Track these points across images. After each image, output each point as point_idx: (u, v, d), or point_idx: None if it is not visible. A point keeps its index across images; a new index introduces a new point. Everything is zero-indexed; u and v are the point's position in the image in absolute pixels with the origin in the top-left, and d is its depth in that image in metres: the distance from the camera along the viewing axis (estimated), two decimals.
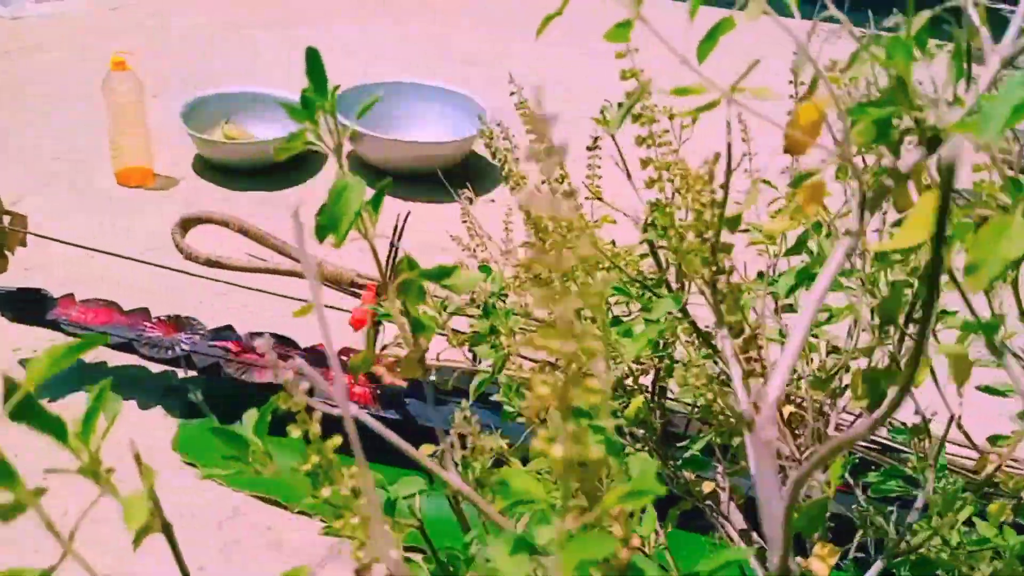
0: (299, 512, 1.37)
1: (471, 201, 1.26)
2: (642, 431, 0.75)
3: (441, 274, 0.48)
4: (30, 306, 1.53)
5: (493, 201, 2.41)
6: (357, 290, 1.40)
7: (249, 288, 1.61)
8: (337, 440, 0.40)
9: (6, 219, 1.46)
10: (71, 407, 1.49)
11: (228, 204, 2.19)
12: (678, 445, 0.84)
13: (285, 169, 2.38)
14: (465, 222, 1.19)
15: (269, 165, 2.33)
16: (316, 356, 1.54)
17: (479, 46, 3.54)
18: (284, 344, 1.55)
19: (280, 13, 3.64)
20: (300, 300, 1.58)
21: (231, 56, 3.15)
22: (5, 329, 1.66)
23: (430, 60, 3.36)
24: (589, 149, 0.83)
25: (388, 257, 1.37)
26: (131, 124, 2.13)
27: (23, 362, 1.61)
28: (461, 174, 2.48)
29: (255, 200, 2.24)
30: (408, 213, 1.41)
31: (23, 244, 1.52)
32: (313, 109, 0.47)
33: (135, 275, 1.85)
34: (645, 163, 0.70)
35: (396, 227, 1.33)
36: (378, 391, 1.46)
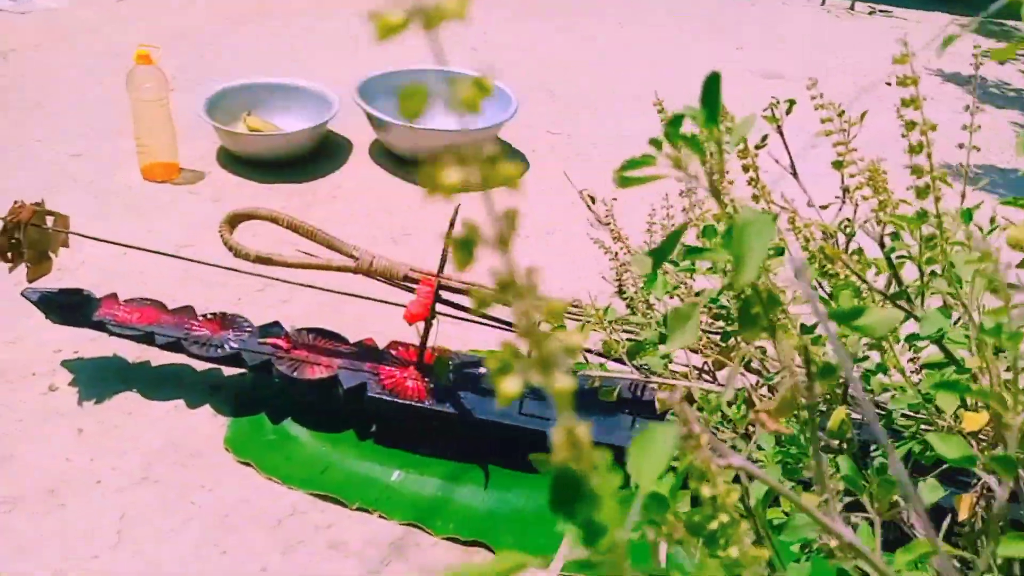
0: (358, 509, 1.36)
1: (593, 201, 1.23)
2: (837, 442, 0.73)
3: (853, 315, 0.43)
4: (74, 307, 1.50)
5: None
6: (411, 284, 1.39)
7: (289, 282, 1.59)
8: (734, 496, 0.36)
9: (49, 220, 1.43)
10: (117, 406, 1.48)
11: (256, 197, 2.17)
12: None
13: (311, 160, 2.36)
14: (608, 224, 1.13)
15: (295, 157, 2.31)
16: (365, 350, 1.52)
17: (484, 33, 3.51)
18: (333, 339, 1.53)
19: (284, 2, 3.60)
20: (343, 294, 1.56)
21: (243, 46, 3.12)
22: (47, 331, 1.63)
23: (446, 48, 3.32)
24: (757, 148, 0.81)
25: (444, 250, 1.35)
26: (157, 119, 2.10)
27: (66, 363, 1.59)
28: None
29: (284, 192, 2.21)
30: (459, 206, 1.39)
31: (66, 245, 1.49)
32: (697, 143, 0.42)
33: (170, 272, 1.83)
34: (839, 164, 0.68)
35: (452, 223, 1.31)
36: (431, 385, 1.45)
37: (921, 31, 4.20)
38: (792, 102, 0.84)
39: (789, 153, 0.97)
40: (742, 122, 0.48)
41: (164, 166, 2.18)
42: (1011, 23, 4.53)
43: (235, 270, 1.76)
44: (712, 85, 0.41)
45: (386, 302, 1.48)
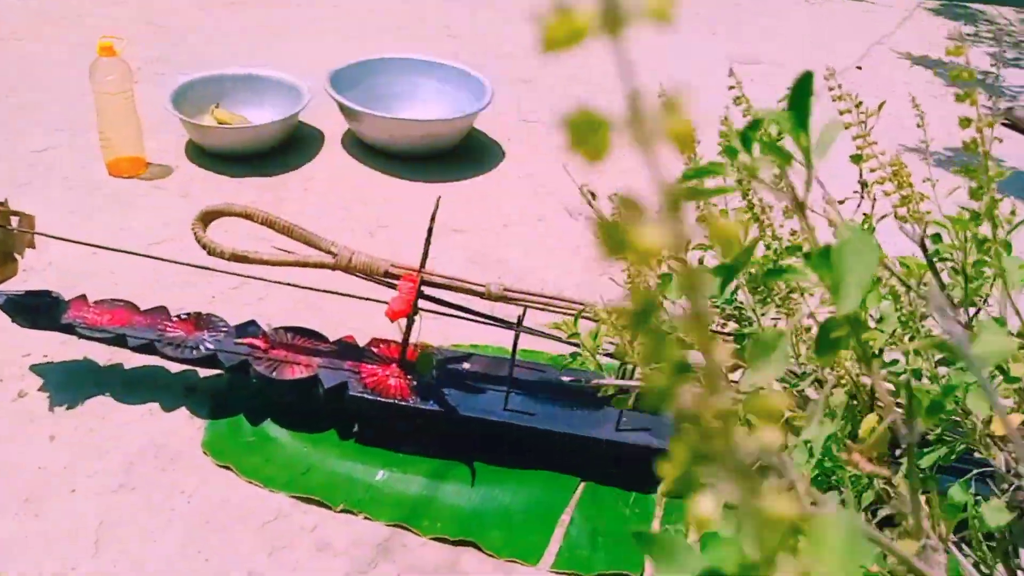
0: (343, 510, 1.34)
1: (595, 197, 1.19)
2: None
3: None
4: (41, 310, 1.45)
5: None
6: (392, 280, 1.36)
7: (265, 280, 1.55)
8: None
9: (13, 220, 1.38)
10: (90, 410, 1.43)
11: (226, 191, 2.12)
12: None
13: (282, 153, 2.31)
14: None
15: (265, 150, 2.26)
16: (345, 348, 1.49)
17: (453, 19, 3.46)
18: (312, 338, 1.50)
19: None
20: (319, 291, 1.53)
21: (207, 37, 3.04)
22: (13, 334, 1.58)
23: (411, 33, 3.28)
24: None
25: (426, 244, 1.33)
26: (120, 113, 2.04)
27: (35, 368, 1.54)
28: (462, 152, 2.43)
29: (254, 186, 2.16)
30: (439, 198, 1.37)
31: (31, 246, 1.44)
32: (786, 155, 0.39)
33: (142, 271, 1.78)
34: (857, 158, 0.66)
35: (433, 216, 1.28)
36: (414, 383, 1.42)
37: (891, 16, 4.23)
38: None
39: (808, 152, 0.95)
40: (828, 128, 0.45)
41: (130, 161, 2.12)
42: (976, 5, 4.58)
43: (209, 268, 1.72)
44: (803, 86, 0.38)
45: (365, 298, 1.45)
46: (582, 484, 1.43)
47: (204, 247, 1.36)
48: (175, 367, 1.56)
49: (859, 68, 3.50)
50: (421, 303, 1.36)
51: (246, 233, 1.70)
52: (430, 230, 1.29)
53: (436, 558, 1.29)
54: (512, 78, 2.93)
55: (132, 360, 1.57)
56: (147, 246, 1.90)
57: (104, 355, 1.58)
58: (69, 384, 1.52)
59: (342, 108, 2.28)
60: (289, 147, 2.34)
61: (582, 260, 2.04)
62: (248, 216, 1.36)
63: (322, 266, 1.35)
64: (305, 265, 1.35)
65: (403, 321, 1.39)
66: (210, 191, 2.11)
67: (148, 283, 1.77)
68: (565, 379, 1.44)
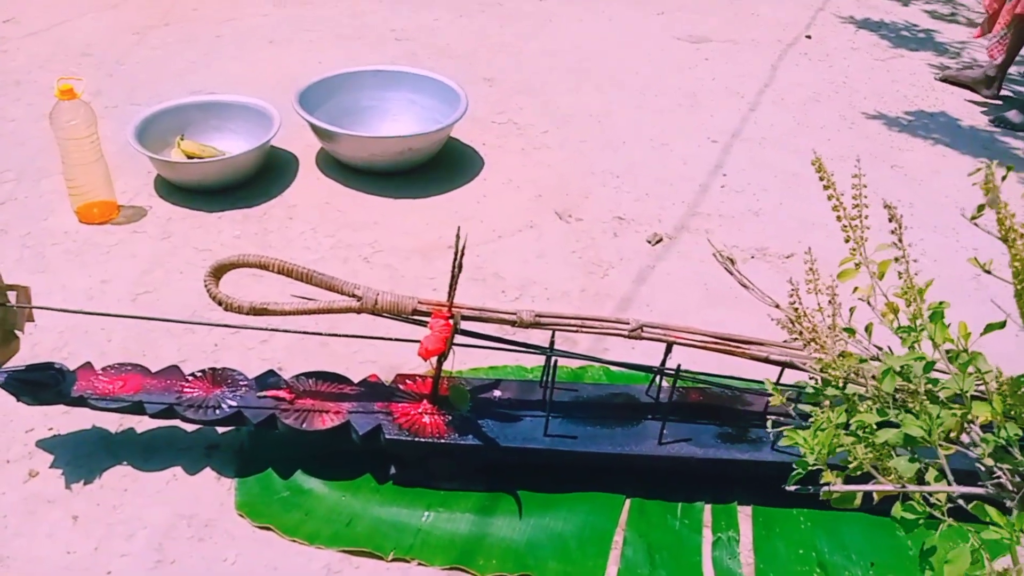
0: (394, 559, 1.30)
1: (733, 262, 1.14)
2: None
3: None
4: (47, 385, 1.37)
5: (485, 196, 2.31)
6: (421, 318, 1.32)
7: (261, 330, 1.49)
8: None
9: (11, 295, 1.30)
10: (109, 484, 1.36)
11: (209, 229, 2.04)
12: None
13: (257, 181, 2.23)
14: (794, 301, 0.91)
15: (241, 180, 2.18)
16: (372, 389, 1.45)
17: (397, 22, 3.38)
18: (336, 382, 1.45)
19: (184, 11, 3.38)
20: (315, 334, 1.48)
21: (154, 61, 2.92)
22: (13, 411, 1.50)
23: (357, 41, 3.19)
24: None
25: (452, 279, 1.29)
26: (88, 156, 1.94)
27: (42, 444, 1.46)
28: (441, 162, 2.38)
29: (235, 219, 2.08)
30: (466, 236, 1.32)
31: (31, 319, 1.36)
32: None
33: (135, 324, 1.70)
34: None
35: (459, 250, 1.24)
36: (449, 418, 1.39)
37: None
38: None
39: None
40: None
41: (101, 206, 2.02)
42: None
43: (205, 324, 1.66)
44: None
45: (381, 338, 1.40)
46: (628, 501, 1.42)
47: (220, 303, 1.30)
48: (190, 426, 1.50)
49: (808, 37, 3.55)
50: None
51: (237, 276, 1.65)
52: (459, 265, 1.25)
53: None
54: (472, 79, 2.88)
55: (144, 423, 1.50)
56: (134, 296, 1.82)
57: (114, 421, 1.50)
58: (82, 457, 1.44)
59: (316, 129, 2.21)
60: (263, 174, 2.26)
61: (582, 264, 2.02)
62: (264, 266, 1.30)
63: (347, 311, 1.31)
64: (330, 312, 1.30)
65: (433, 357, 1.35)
66: (192, 230, 2.03)
67: (144, 336, 1.70)
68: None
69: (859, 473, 0.77)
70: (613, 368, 1.67)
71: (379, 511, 1.37)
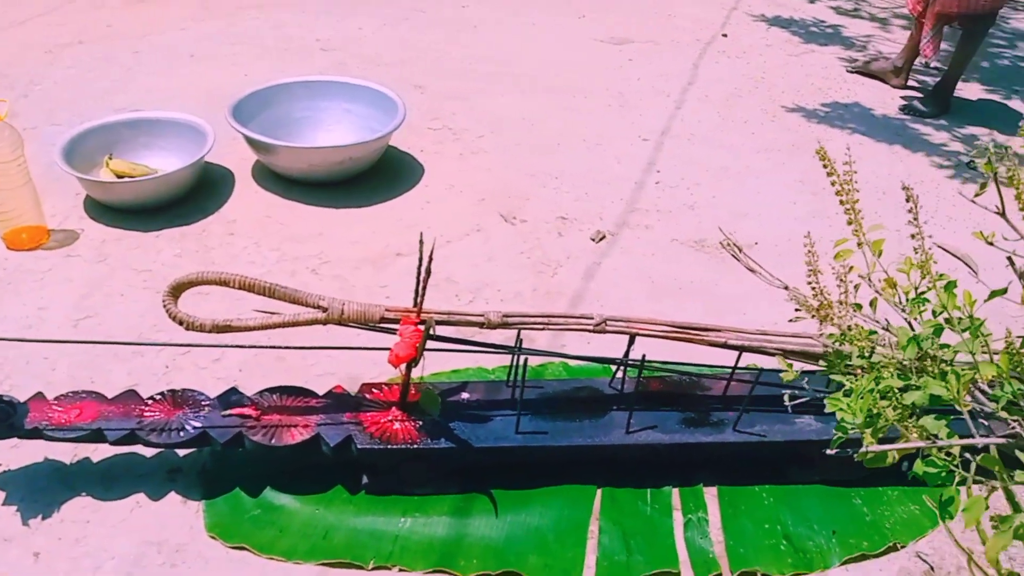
0: (375, 568, 1.30)
1: (740, 250, 1.16)
2: None
3: None
4: None
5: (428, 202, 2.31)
6: (389, 326, 1.32)
7: (214, 347, 1.47)
8: None
9: None
10: (70, 517, 1.31)
11: (148, 249, 1.98)
12: None
13: (192, 198, 2.18)
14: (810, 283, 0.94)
15: (176, 198, 2.12)
16: (339, 400, 1.44)
17: (320, 32, 3.36)
18: (301, 395, 1.43)
19: (97, 28, 3.28)
20: (272, 348, 1.46)
21: (71, 79, 2.81)
22: None
23: (281, 53, 3.15)
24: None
25: (417, 285, 1.30)
26: (15, 180, 1.86)
27: None
28: (381, 171, 2.37)
29: (174, 238, 2.03)
30: (434, 240, 1.33)
31: None
32: None
33: (79, 351, 1.65)
34: None
35: (424, 256, 1.25)
36: (419, 423, 1.39)
37: None
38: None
39: None
40: None
41: (30, 231, 1.95)
42: None
43: (158, 344, 1.62)
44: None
45: (344, 348, 1.40)
46: (599, 491, 1.45)
47: (181, 323, 1.27)
48: (149, 451, 1.45)
49: (725, 35, 3.67)
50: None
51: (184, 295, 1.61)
52: (428, 271, 1.26)
53: None
54: (403, 86, 2.87)
55: (100, 452, 1.45)
56: (75, 322, 1.76)
57: (67, 452, 1.45)
58: (37, 492, 1.39)
59: (252, 142, 2.17)
60: (199, 190, 2.21)
61: (531, 264, 2.04)
62: (224, 283, 1.28)
63: (314, 323, 1.30)
64: (296, 324, 1.29)
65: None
66: (128, 251, 1.97)
67: (90, 363, 1.64)
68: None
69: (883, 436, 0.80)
70: (572, 363, 1.69)
71: (355, 521, 1.36)
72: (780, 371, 1.47)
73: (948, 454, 0.69)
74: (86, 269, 1.91)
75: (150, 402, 1.39)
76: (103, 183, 2.03)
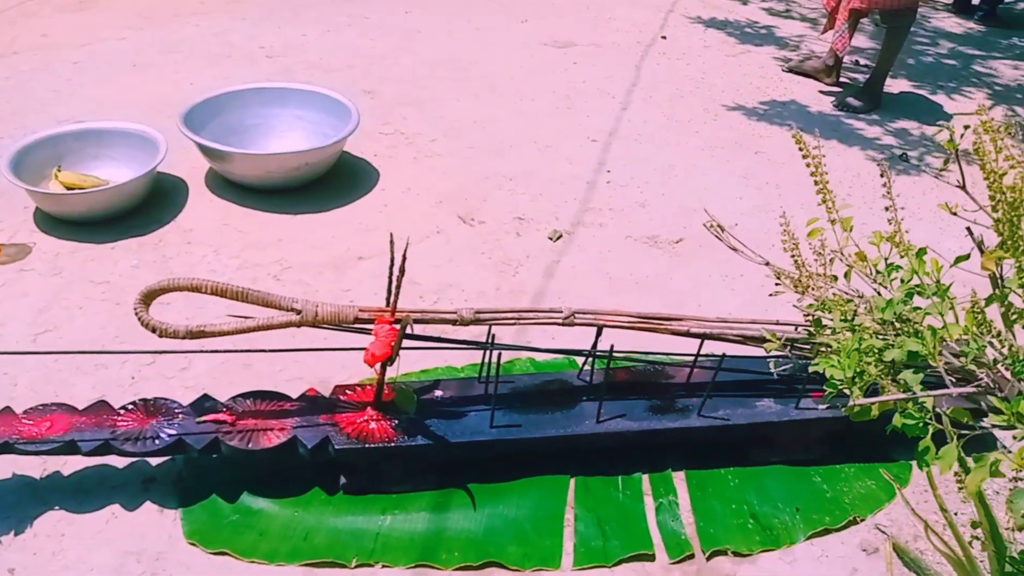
0: (358, 566, 1.31)
1: (723, 229, 1.20)
2: None
3: None
4: None
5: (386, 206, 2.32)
6: (363, 326, 1.34)
7: (184, 352, 1.47)
8: None
9: None
10: (44, 531, 1.30)
11: (104, 261, 1.96)
12: None
13: (145, 208, 2.15)
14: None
15: (128, 209, 2.09)
16: (313, 403, 1.45)
17: (263, 39, 3.34)
18: (275, 399, 1.44)
19: (31, 38, 3.20)
20: (241, 352, 1.47)
21: (5, 95, 2.74)
22: None
23: (225, 61, 3.12)
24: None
25: (390, 285, 1.32)
26: None
27: None
28: (336, 176, 2.38)
29: (132, 248, 2.01)
30: (407, 240, 1.35)
31: None
32: None
33: (39, 366, 1.62)
34: None
35: (398, 254, 1.27)
36: (395, 422, 1.41)
37: None
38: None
39: None
40: None
41: None
42: None
43: (127, 352, 1.61)
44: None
45: (316, 349, 1.41)
46: (573, 480, 1.49)
47: (153, 330, 1.27)
48: (122, 462, 1.44)
49: (664, 38, 3.76)
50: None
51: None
52: (402, 270, 1.28)
53: None
54: (352, 92, 2.88)
55: (71, 465, 1.44)
56: (34, 337, 1.73)
57: (36, 467, 1.43)
58: (7, 508, 1.37)
59: (205, 150, 2.16)
60: (152, 200, 2.18)
61: (492, 264, 2.08)
62: (196, 289, 1.28)
63: (288, 325, 1.31)
64: (270, 328, 1.30)
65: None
66: (84, 263, 1.94)
67: (53, 376, 1.61)
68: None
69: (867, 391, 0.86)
70: (539, 358, 1.73)
71: (335, 521, 1.38)
72: (742, 356, 1.54)
73: (923, 409, 0.75)
74: (41, 283, 1.88)
75: (122, 412, 1.38)
76: (55, 195, 2.00)
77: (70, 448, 1.31)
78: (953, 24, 4.38)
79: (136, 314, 1.27)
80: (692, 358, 1.52)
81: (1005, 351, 0.79)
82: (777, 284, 1.01)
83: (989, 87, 3.53)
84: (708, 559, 1.38)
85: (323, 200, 2.27)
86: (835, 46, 3.06)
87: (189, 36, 3.31)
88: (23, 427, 1.32)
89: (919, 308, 0.84)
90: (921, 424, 0.73)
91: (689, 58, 3.55)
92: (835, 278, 0.94)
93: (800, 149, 1.01)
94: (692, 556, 1.38)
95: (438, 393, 1.51)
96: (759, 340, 1.48)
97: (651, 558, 1.37)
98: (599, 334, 1.46)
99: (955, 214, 0.83)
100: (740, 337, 1.47)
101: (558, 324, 1.41)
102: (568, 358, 1.71)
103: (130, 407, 1.39)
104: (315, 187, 2.31)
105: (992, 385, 0.76)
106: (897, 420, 0.75)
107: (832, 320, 0.86)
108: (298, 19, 3.58)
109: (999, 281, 0.82)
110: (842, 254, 0.90)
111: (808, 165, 0.99)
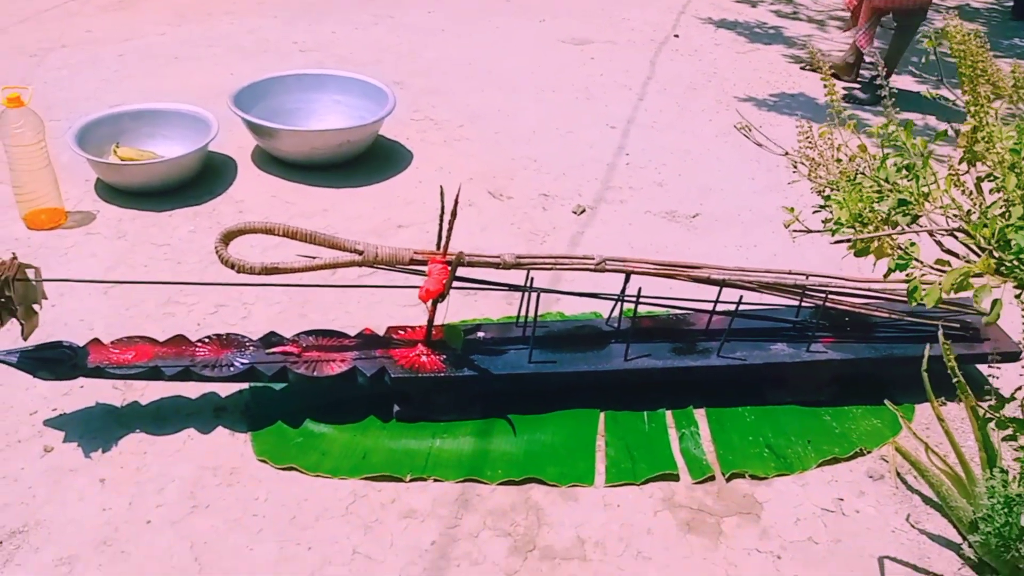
0: (412, 479, 1.45)
1: (750, 130, 1.35)
2: None
3: None
4: (61, 361, 1.44)
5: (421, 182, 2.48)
6: (418, 267, 1.48)
7: (244, 285, 1.61)
8: None
9: (30, 272, 1.37)
10: (128, 450, 1.45)
11: (164, 227, 2.11)
12: None
13: (197, 183, 2.31)
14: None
15: (181, 183, 2.25)
16: (369, 340, 1.60)
17: (297, 34, 3.51)
18: (335, 336, 1.59)
19: (78, 34, 3.38)
20: (318, 286, 1.62)
21: (62, 80, 2.92)
22: (12, 395, 1.55)
23: (261, 55, 3.30)
24: None
25: (441, 231, 1.47)
26: (36, 163, 1.98)
27: (50, 423, 1.52)
28: (372, 156, 2.53)
29: (188, 216, 2.16)
30: (459, 187, 1.50)
31: (45, 296, 1.43)
32: None
33: (112, 314, 1.78)
34: None
35: (449, 201, 1.42)
36: (444, 357, 1.56)
37: None
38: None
39: None
40: None
41: (49, 212, 2.06)
42: None
43: (222, 284, 1.75)
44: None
45: (366, 286, 1.56)
46: (603, 414, 1.63)
47: (232, 266, 1.42)
48: (195, 392, 1.59)
49: (676, 36, 3.93)
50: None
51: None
52: (453, 213, 1.43)
53: (509, 499, 1.45)
54: (383, 82, 3.04)
55: (149, 394, 1.59)
56: (104, 291, 1.88)
57: (116, 396, 1.58)
58: (94, 431, 1.51)
59: (254, 128, 2.32)
60: (203, 175, 2.34)
61: (521, 233, 2.23)
62: (269, 231, 1.43)
63: (351, 264, 1.46)
64: (336, 266, 1.45)
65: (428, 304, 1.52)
66: (145, 228, 2.10)
67: (124, 323, 1.76)
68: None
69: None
70: (567, 312, 1.88)
71: (390, 444, 1.52)
72: (758, 305, 1.68)
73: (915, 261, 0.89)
74: (107, 245, 2.04)
75: (199, 344, 1.53)
76: (117, 165, 2.15)
77: (154, 373, 1.46)
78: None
79: (216, 252, 1.43)
80: (712, 303, 1.66)
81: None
82: (794, 171, 1.16)
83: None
84: (728, 480, 1.52)
85: (362, 176, 2.42)
86: (858, 43, 3.21)
87: (225, 32, 3.49)
88: (112, 354, 1.47)
89: (909, 167, 0.98)
90: (910, 263, 0.87)
91: (701, 54, 3.71)
92: (839, 160, 1.08)
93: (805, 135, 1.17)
94: (712, 478, 1.52)
95: (480, 334, 1.65)
96: (773, 287, 1.62)
97: (675, 478, 1.51)
98: (627, 280, 1.60)
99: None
100: (755, 284, 1.61)
101: (590, 270, 1.56)
102: (595, 312, 1.86)
103: (206, 340, 1.54)
104: (354, 165, 2.47)
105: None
106: (891, 263, 0.89)
107: (840, 191, 1.01)
108: (326, 18, 3.75)
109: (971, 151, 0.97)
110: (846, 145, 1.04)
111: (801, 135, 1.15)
